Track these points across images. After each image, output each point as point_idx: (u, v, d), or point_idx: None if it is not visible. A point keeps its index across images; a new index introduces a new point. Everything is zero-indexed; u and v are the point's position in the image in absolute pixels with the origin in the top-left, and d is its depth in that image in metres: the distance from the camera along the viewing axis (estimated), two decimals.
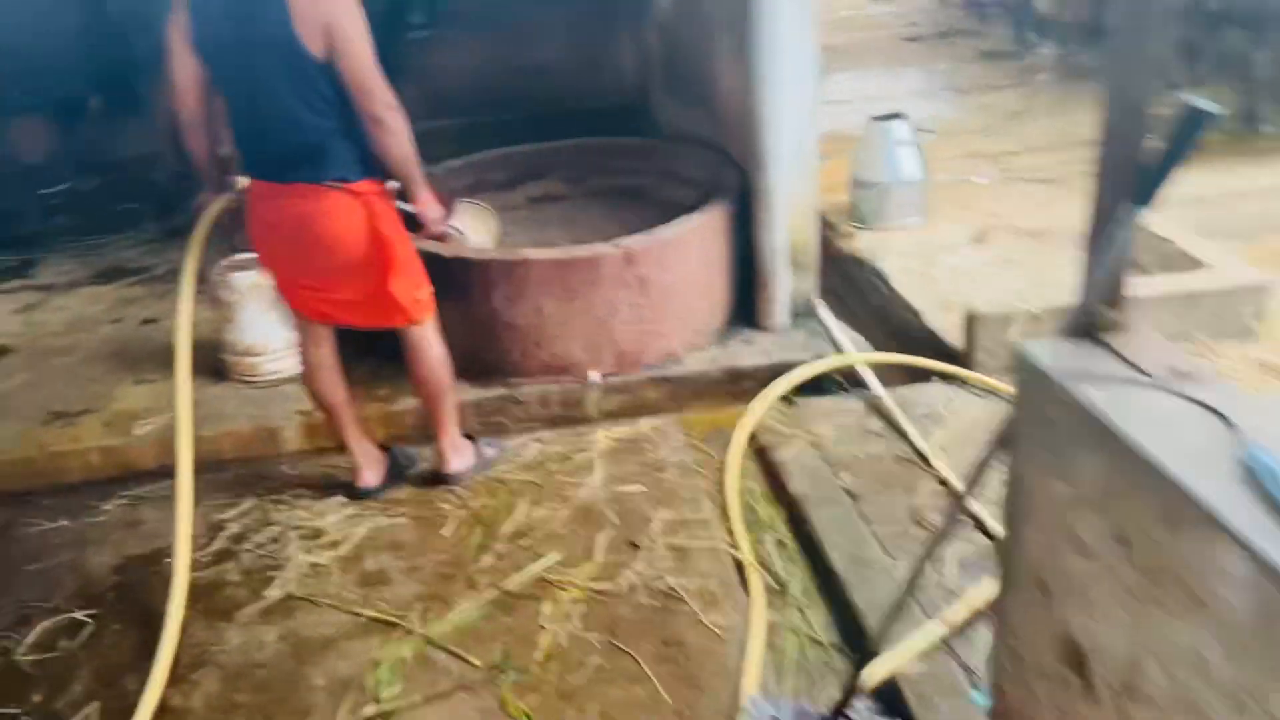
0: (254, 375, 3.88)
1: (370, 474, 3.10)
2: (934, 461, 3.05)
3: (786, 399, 3.55)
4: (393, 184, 2.92)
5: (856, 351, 3.81)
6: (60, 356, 4.26)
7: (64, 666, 2.58)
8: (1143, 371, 1.39)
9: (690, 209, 4.43)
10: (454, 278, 3.65)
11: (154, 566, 2.92)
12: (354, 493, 3.10)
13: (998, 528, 2.72)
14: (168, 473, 2.84)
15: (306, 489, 3.20)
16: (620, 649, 2.47)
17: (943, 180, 5.18)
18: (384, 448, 3.25)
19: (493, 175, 4.81)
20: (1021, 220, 4.83)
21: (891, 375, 3.77)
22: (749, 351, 3.88)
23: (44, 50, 5.92)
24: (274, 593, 2.77)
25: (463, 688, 2.39)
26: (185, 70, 2.67)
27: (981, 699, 2.13)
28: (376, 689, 2.41)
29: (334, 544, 2.93)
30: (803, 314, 4.07)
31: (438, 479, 3.13)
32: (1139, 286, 1.51)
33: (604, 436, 3.36)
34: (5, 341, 4.45)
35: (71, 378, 4.06)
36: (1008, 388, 3.42)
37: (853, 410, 3.46)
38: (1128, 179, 1.39)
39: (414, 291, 2.93)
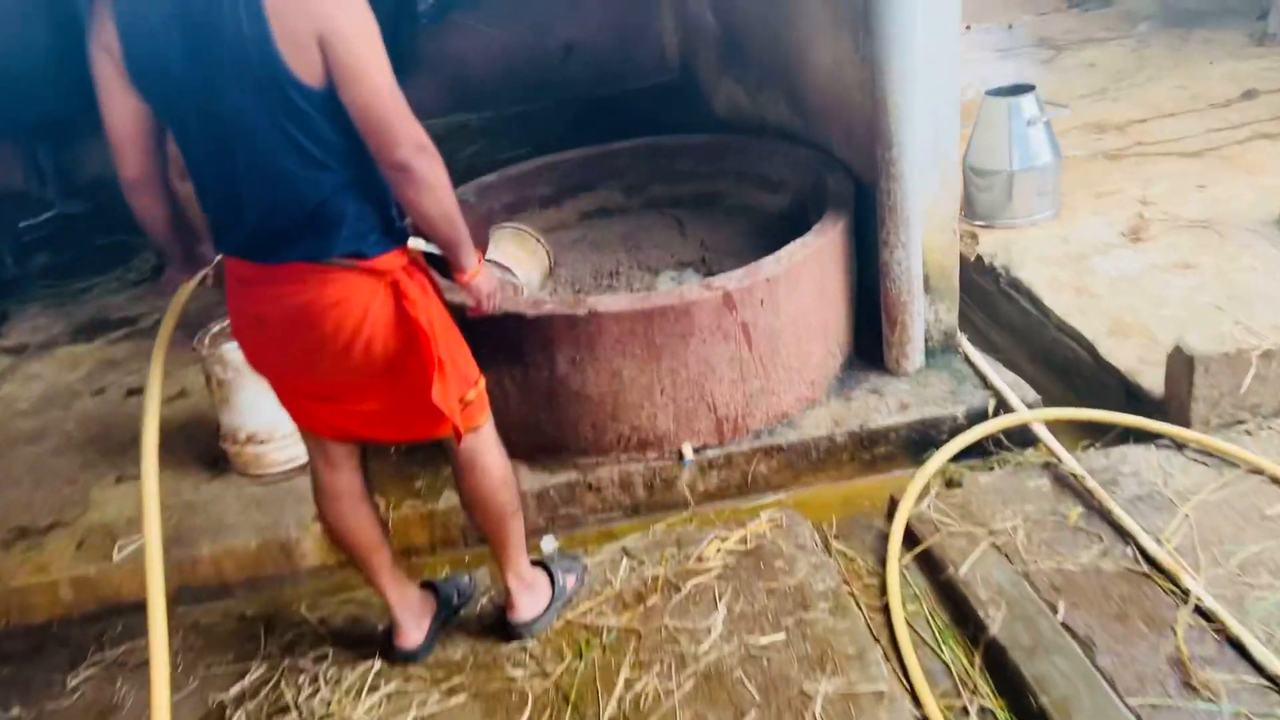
0: (260, 469, 3.10)
1: (413, 630, 2.32)
2: (1181, 577, 2.23)
3: (949, 480, 2.72)
4: (417, 241, 2.13)
5: (1018, 398, 2.97)
6: (28, 445, 3.50)
7: None
8: None
9: (782, 218, 3.63)
10: (504, 338, 2.85)
11: None
12: (394, 654, 2.32)
13: None
14: None
15: (332, 643, 2.42)
16: None
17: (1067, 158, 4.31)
18: (428, 584, 2.47)
19: (535, 189, 3.98)
20: (1179, 207, 3.95)
21: (1063, 427, 2.94)
22: (880, 406, 3.05)
23: (10, 67, 5.15)
24: None
25: None
26: (120, 110, 1.86)
27: None
28: None
29: None
30: (941, 350, 3.24)
31: (504, 629, 2.34)
32: None
33: (716, 548, 2.56)
34: None
35: (41, 475, 3.31)
36: (1250, 455, 2.58)
37: (1039, 491, 2.63)
38: None
39: (463, 392, 2.13)
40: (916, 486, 2.67)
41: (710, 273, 3.45)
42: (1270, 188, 3.94)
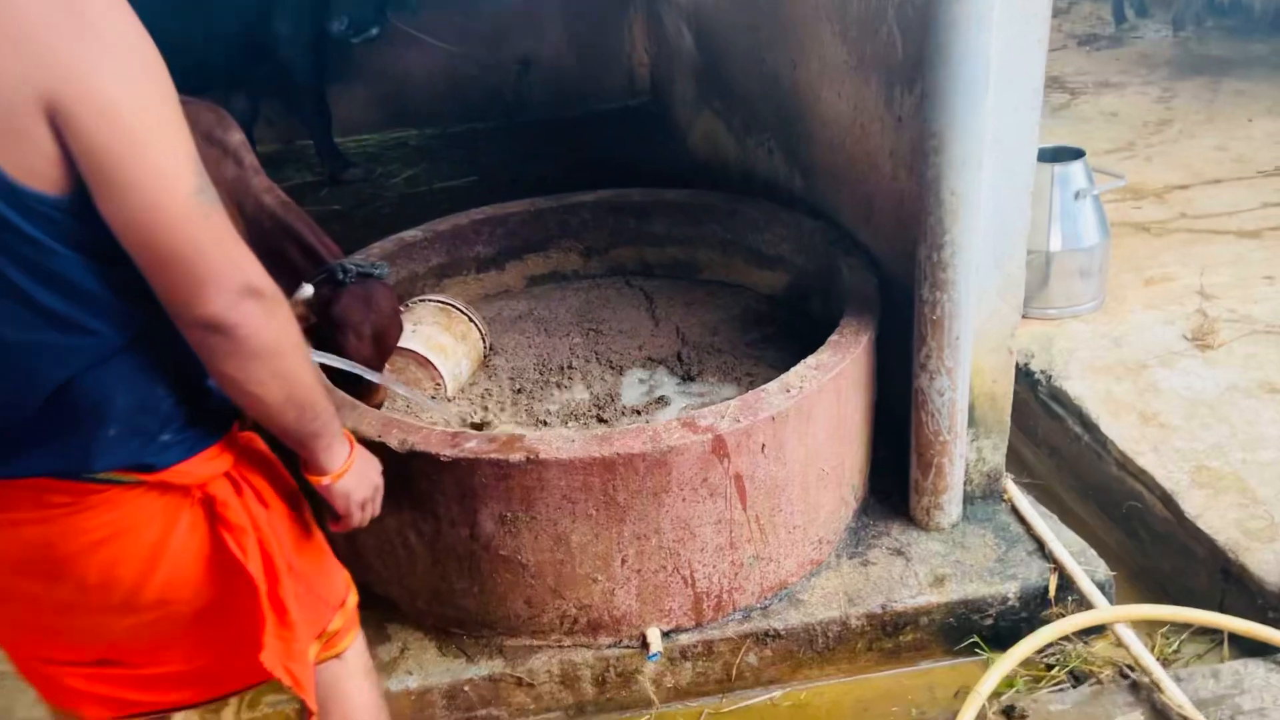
0: None
1: None
2: None
3: (1007, 710, 2.00)
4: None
5: (1089, 578, 2.27)
6: None
7: None
8: None
9: (776, 304, 2.90)
10: (410, 481, 2.08)
11: None
12: None
13: None
14: None
15: None
16: None
17: None
18: None
19: (473, 248, 3.20)
20: (1247, 303, 3.29)
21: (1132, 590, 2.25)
22: (906, 576, 2.32)
23: None
24: None
25: None
26: None
27: None
28: None
29: None
30: (981, 496, 2.52)
31: None
32: None
33: None
34: None
35: None
36: None
37: None
38: None
39: (321, 627, 1.37)
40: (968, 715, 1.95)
41: (689, 375, 2.71)
42: None
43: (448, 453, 2.03)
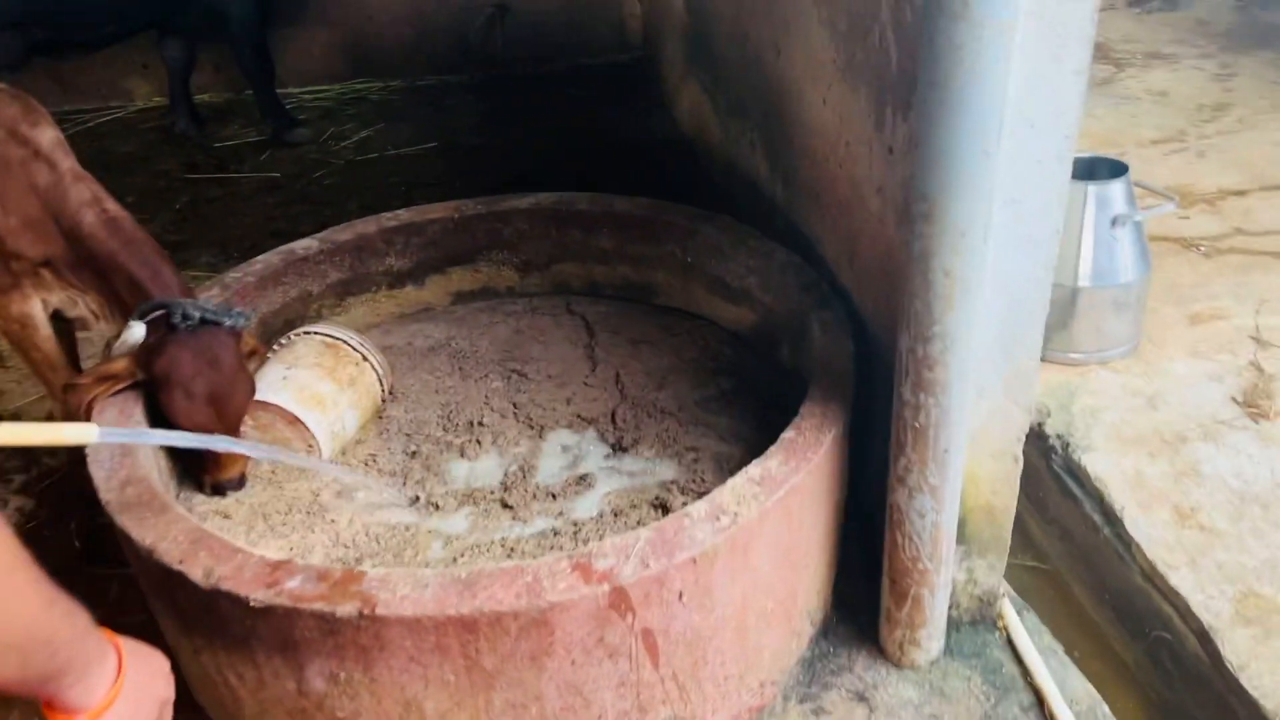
0: None
1: None
2: None
3: None
4: None
5: None
6: None
7: None
8: None
9: (742, 345, 2.38)
10: (222, 623, 1.61)
11: None
12: None
13: None
14: None
15: None
16: None
17: None
18: None
19: (383, 260, 2.68)
20: None
21: None
22: None
23: None
24: None
25: None
26: None
27: None
28: None
29: None
30: (969, 623, 2.03)
31: None
32: None
33: None
34: None
35: None
36: None
37: None
38: None
39: None
40: None
41: (622, 444, 2.20)
42: None
43: (259, 596, 1.54)
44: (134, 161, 4.50)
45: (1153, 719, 2.12)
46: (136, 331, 1.94)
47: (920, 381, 1.65)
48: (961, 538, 1.91)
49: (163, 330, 1.93)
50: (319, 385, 2.23)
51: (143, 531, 1.67)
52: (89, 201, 2.01)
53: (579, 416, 2.31)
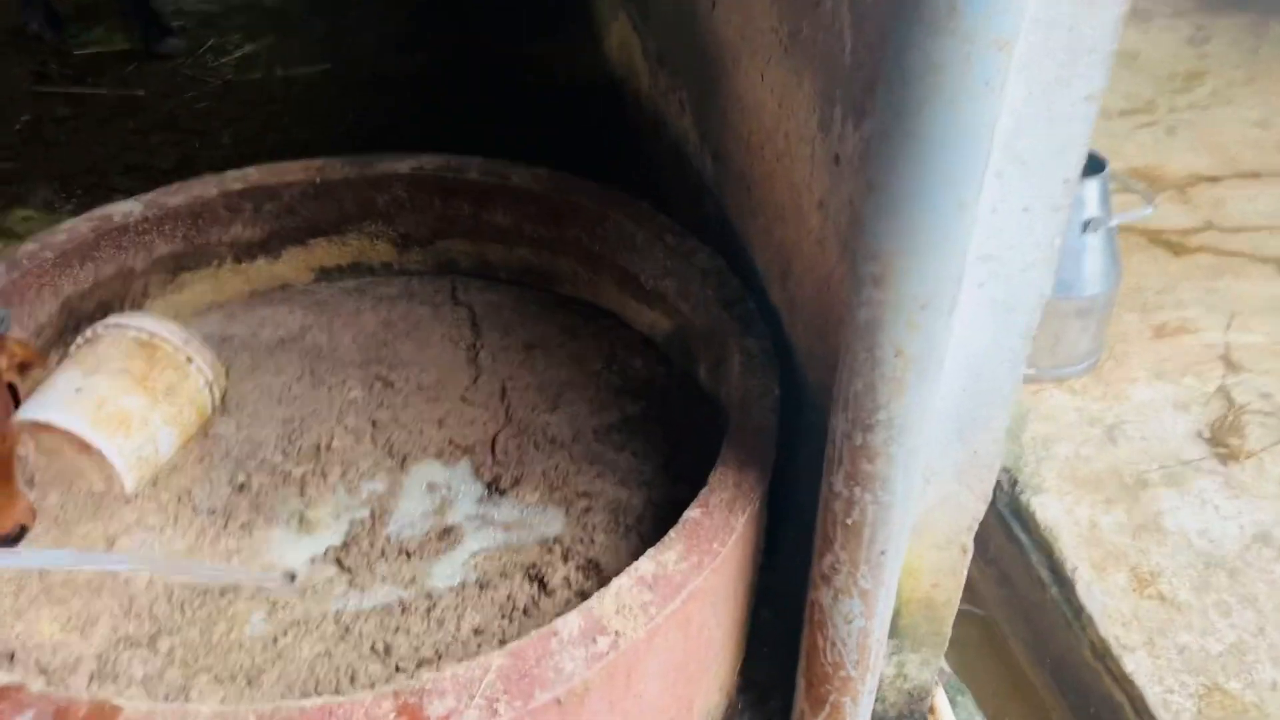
0: None
1: None
2: None
3: None
4: None
5: None
6: None
7: None
8: None
9: (654, 358, 2.02)
10: None
11: None
12: None
13: None
14: None
15: None
16: None
17: None
18: None
19: (229, 229, 2.23)
20: None
21: None
22: None
23: None
24: None
25: None
26: None
27: None
28: None
29: None
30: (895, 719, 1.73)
31: None
32: None
33: None
34: None
35: None
36: None
37: None
38: None
39: None
40: None
41: (500, 485, 1.83)
42: None
43: None
44: None
45: None
46: None
47: (856, 474, 1.29)
48: (894, 631, 1.59)
49: None
50: (124, 399, 1.80)
51: None
52: None
53: (452, 443, 1.92)
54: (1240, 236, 3.01)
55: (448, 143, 2.35)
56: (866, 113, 1.32)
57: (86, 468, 1.76)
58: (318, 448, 1.91)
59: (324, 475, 1.85)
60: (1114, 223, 2.33)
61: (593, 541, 1.70)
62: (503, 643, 1.53)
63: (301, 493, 1.82)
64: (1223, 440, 2.28)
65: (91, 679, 1.50)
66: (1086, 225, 2.29)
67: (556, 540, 1.71)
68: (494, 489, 1.83)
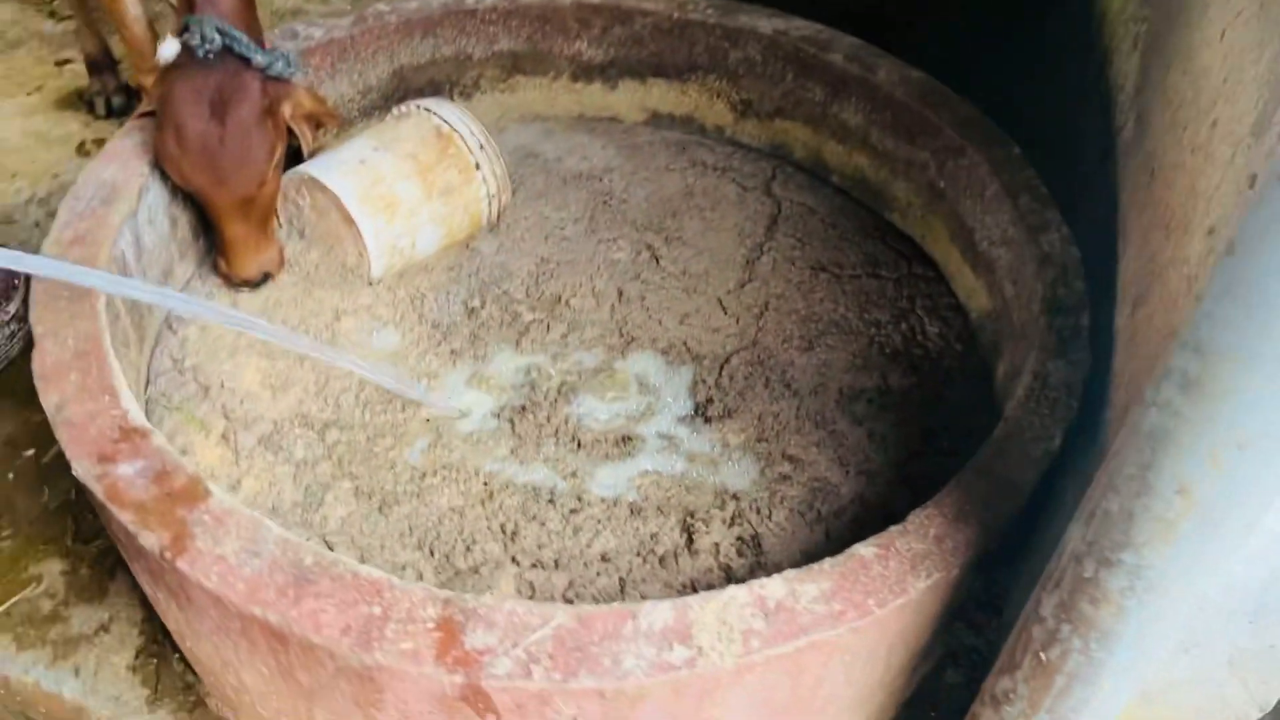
0: None
1: None
2: None
3: None
4: None
5: None
6: None
7: None
8: None
9: (961, 328, 1.69)
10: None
11: None
12: None
13: None
14: None
15: None
16: None
17: None
18: None
19: (571, 42, 2.10)
20: None
21: None
22: None
23: None
24: None
25: None
26: None
27: None
28: None
29: None
30: None
31: None
32: None
33: None
34: None
35: None
36: None
37: None
38: None
39: None
40: None
41: (707, 410, 1.62)
42: None
43: (81, 469, 1.19)
44: None
45: None
46: (167, 48, 1.55)
47: (1072, 610, 0.94)
48: None
49: (184, 56, 1.52)
50: (400, 184, 1.78)
51: (39, 315, 1.35)
52: None
53: (685, 345, 1.72)
54: None
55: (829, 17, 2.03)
56: None
57: (345, 238, 1.77)
58: (557, 299, 1.80)
59: (547, 329, 1.74)
60: None
61: (770, 516, 1.46)
62: (622, 583, 1.38)
63: (518, 341, 1.72)
64: None
65: (260, 441, 1.53)
66: None
67: (734, 497, 1.49)
68: (700, 413, 1.62)
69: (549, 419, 1.58)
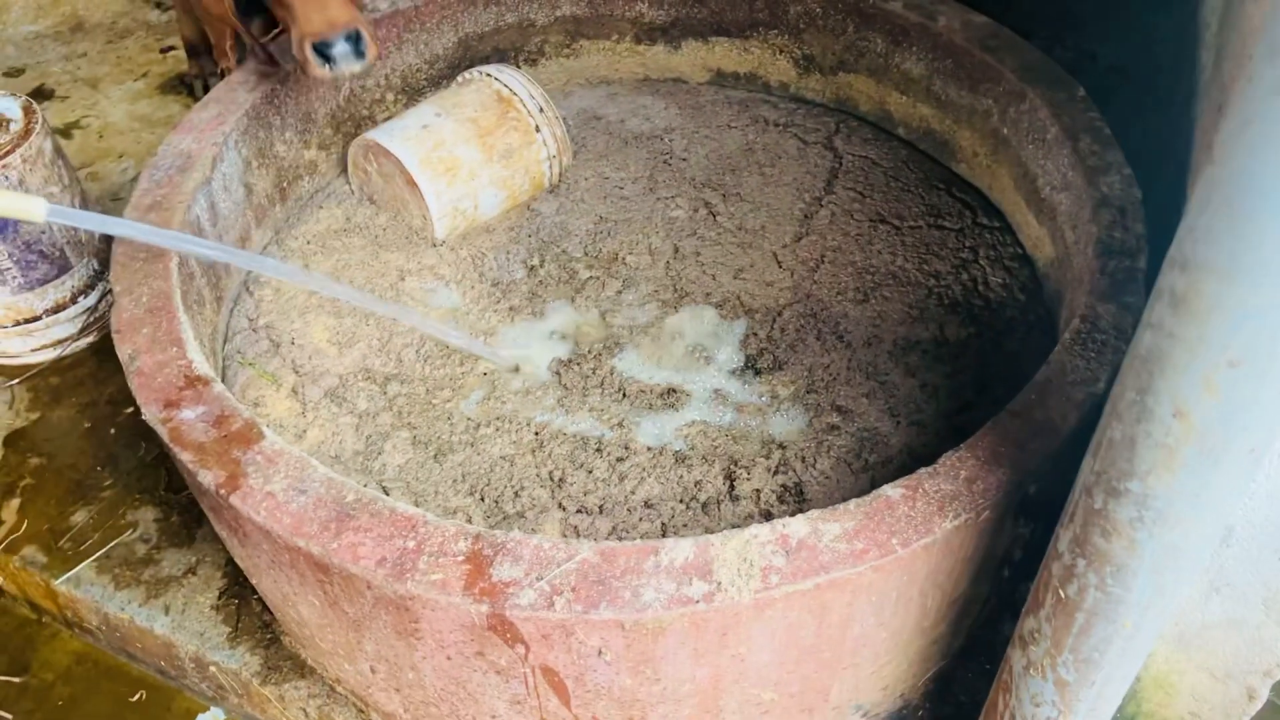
0: None
1: None
2: None
3: None
4: None
5: None
6: None
7: None
8: None
9: (1026, 279, 1.66)
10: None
11: None
12: None
13: None
14: None
15: None
16: None
17: None
18: None
19: (631, 3, 2.12)
20: None
21: None
22: None
23: None
24: None
25: None
26: None
27: None
28: None
29: None
30: None
31: None
32: None
33: None
34: None
35: None
36: None
37: None
38: None
39: None
40: None
41: (757, 364, 1.63)
42: None
43: (150, 412, 1.28)
44: None
45: None
46: None
47: (1085, 544, 0.92)
48: None
49: None
50: (460, 148, 1.83)
51: (117, 275, 1.45)
52: None
53: (739, 300, 1.73)
54: None
55: None
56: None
57: (410, 201, 1.83)
58: (614, 256, 1.82)
59: (603, 285, 1.77)
60: None
61: (815, 464, 1.46)
62: (664, 528, 1.40)
63: (574, 298, 1.75)
64: None
65: (326, 394, 1.61)
66: None
67: (780, 446, 1.49)
68: (750, 365, 1.63)
69: (594, 371, 1.61)
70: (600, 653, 1.13)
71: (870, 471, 1.46)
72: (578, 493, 1.46)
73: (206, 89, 2.68)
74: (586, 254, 1.84)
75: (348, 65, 1.59)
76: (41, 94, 2.74)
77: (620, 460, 1.49)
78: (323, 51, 1.57)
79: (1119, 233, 1.44)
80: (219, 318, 1.68)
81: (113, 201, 2.39)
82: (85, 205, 2.03)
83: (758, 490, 1.42)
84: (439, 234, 1.84)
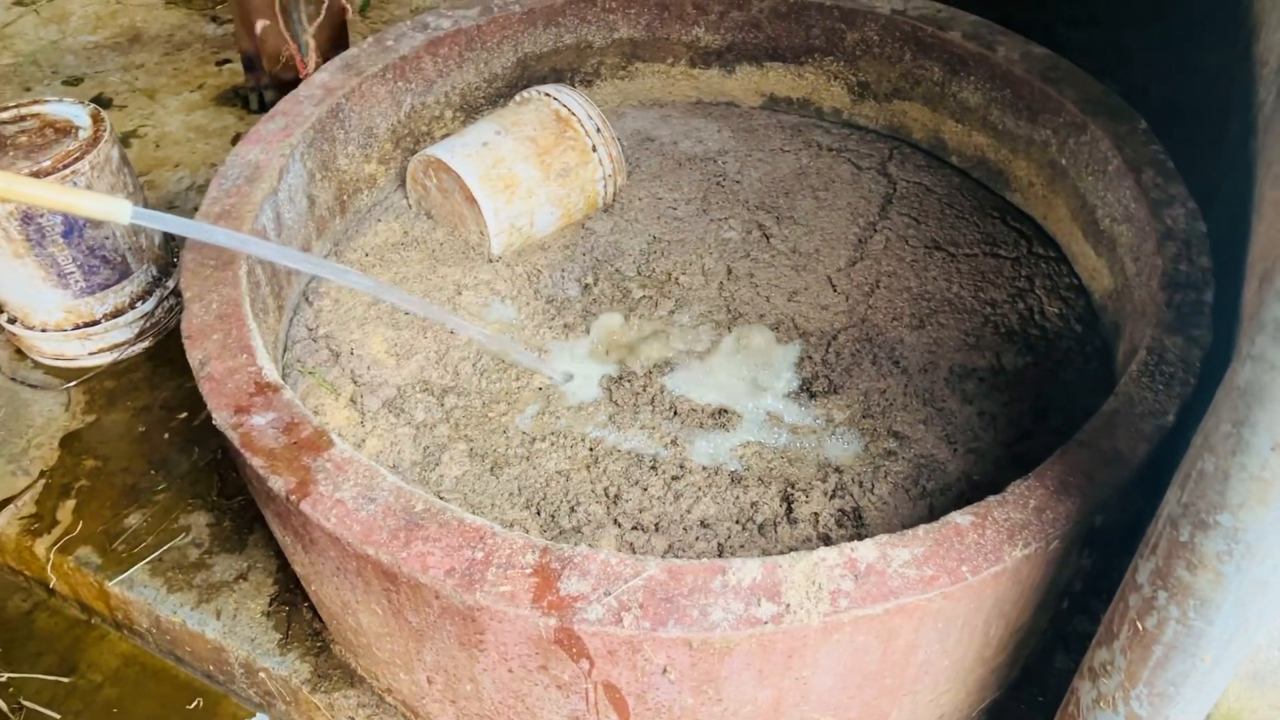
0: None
1: None
2: None
3: None
4: None
5: None
6: None
7: None
8: None
9: (1082, 308, 1.65)
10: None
11: None
12: None
13: None
14: None
15: None
16: None
17: None
18: None
19: (688, 28, 2.14)
20: None
21: None
22: None
23: None
24: None
25: None
26: None
27: None
28: None
29: None
30: None
31: None
32: None
33: None
34: None
35: None
36: None
37: None
38: None
39: None
40: None
41: (813, 386, 1.63)
42: None
43: (220, 418, 1.29)
44: None
45: None
46: None
47: (1169, 577, 0.92)
48: None
49: None
50: (519, 166, 1.85)
51: (188, 282, 1.47)
52: None
53: (793, 322, 1.73)
54: None
55: None
56: None
57: (468, 217, 1.85)
58: (668, 276, 1.84)
59: (656, 305, 1.78)
60: None
61: (873, 490, 1.46)
62: (720, 548, 1.40)
63: (627, 316, 1.76)
64: None
65: (384, 404, 1.62)
66: None
67: (837, 470, 1.49)
68: (805, 388, 1.63)
69: (644, 388, 1.62)
70: (665, 671, 1.13)
71: (929, 499, 1.45)
72: (633, 509, 1.46)
73: (262, 101, 2.73)
74: (639, 273, 1.85)
75: None
76: (100, 103, 2.79)
77: (675, 479, 1.50)
78: None
79: (1185, 266, 1.44)
80: (280, 326, 1.70)
81: (169, 209, 2.43)
82: None
83: (816, 513, 1.42)
84: (495, 250, 1.86)
